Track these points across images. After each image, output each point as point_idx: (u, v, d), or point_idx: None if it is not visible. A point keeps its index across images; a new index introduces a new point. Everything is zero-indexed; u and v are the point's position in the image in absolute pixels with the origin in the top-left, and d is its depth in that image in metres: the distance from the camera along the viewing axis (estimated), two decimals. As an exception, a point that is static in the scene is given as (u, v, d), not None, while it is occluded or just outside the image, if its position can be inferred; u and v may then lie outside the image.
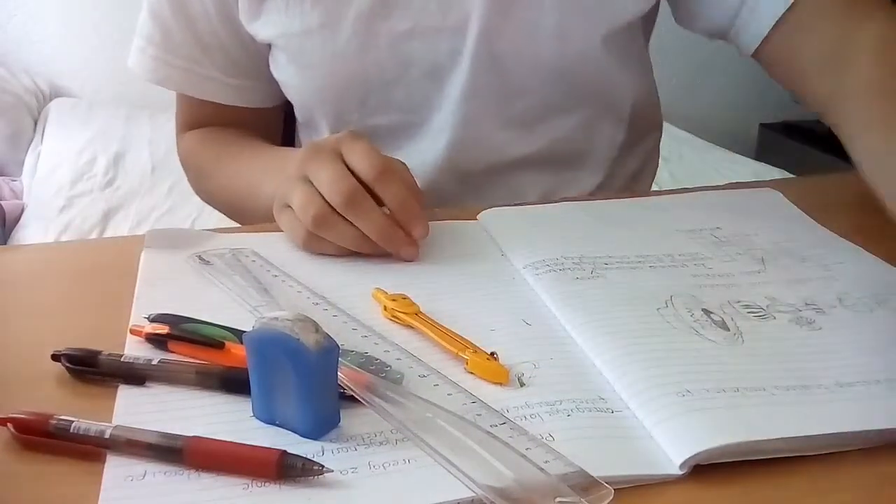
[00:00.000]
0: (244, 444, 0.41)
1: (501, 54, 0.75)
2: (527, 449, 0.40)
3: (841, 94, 0.67)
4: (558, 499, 0.37)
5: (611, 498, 0.38)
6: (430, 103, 0.77)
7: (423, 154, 0.78)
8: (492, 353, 0.48)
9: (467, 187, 0.80)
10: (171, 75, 0.80)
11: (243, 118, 0.83)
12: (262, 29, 0.76)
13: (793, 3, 0.71)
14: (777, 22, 0.72)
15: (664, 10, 0.83)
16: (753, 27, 0.74)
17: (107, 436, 0.41)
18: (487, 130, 0.78)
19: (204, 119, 0.85)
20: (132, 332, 0.51)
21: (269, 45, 0.78)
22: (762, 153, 2.56)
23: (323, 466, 0.39)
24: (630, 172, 0.88)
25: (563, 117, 0.80)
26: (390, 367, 0.47)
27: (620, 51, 0.78)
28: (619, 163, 0.86)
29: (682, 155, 2.20)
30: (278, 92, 0.82)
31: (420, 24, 0.73)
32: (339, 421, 0.43)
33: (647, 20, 0.84)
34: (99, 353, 0.47)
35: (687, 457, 0.40)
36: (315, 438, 0.42)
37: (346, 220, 0.58)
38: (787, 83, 0.76)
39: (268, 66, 0.80)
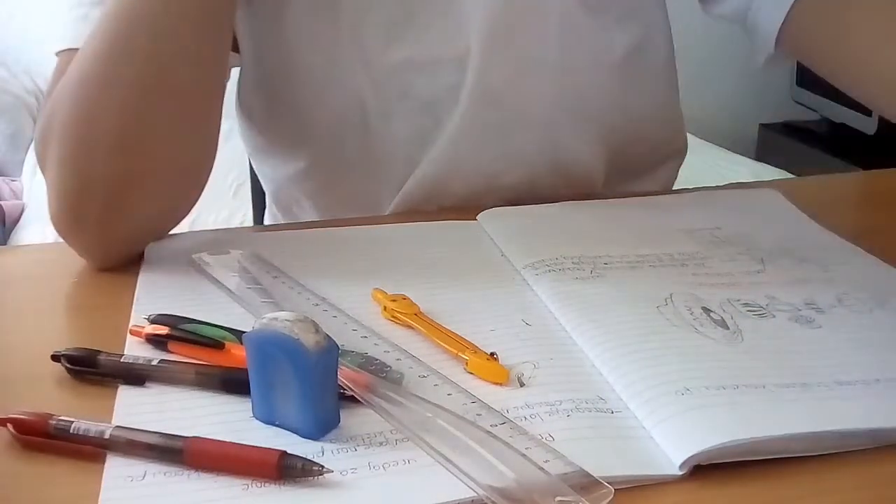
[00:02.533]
0: (244, 445, 0.41)
1: (501, 88, 0.72)
2: (527, 449, 0.40)
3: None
4: (558, 498, 0.37)
5: (611, 498, 0.38)
6: (424, 138, 0.73)
7: (410, 184, 0.74)
8: (492, 354, 0.48)
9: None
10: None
11: None
12: None
13: None
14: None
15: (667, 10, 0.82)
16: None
17: (107, 436, 0.41)
18: (484, 163, 0.74)
19: None
20: (132, 332, 0.51)
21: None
22: (762, 153, 2.56)
23: (323, 467, 0.39)
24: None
25: (565, 150, 0.76)
26: (390, 367, 0.47)
27: (632, 77, 0.76)
28: (630, 189, 0.82)
29: (681, 155, 2.20)
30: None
31: (419, 54, 0.71)
32: (339, 421, 0.43)
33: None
34: (99, 353, 0.47)
35: (687, 457, 0.40)
36: (315, 439, 0.42)
37: None
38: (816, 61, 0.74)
39: None
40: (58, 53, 0.65)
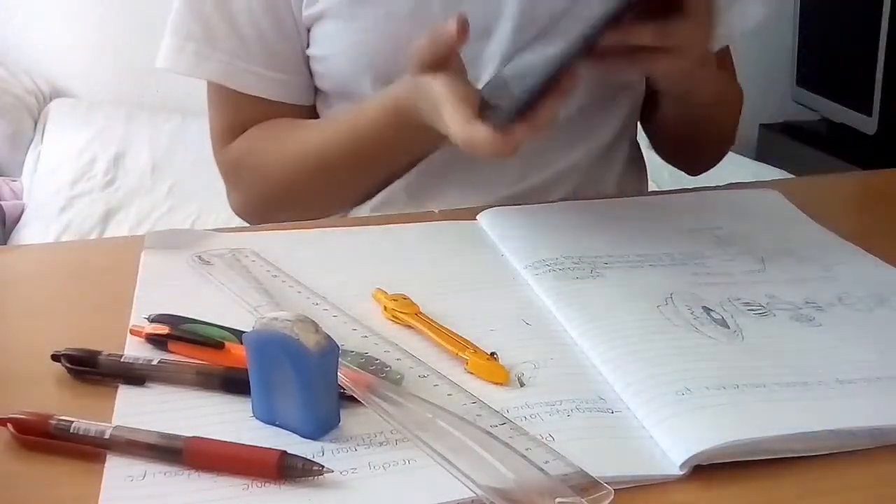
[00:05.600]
0: (244, 445, 0.41)
1: (543, 16, 0.74)
2: (527, 449, 0.40)
3: None
4: (558, 499, 0.37)
5: (611, 498, 0.38)
6: (476, 63, 0.76)
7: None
8: (492, 354, 0.48)
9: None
10: (213, 69, 0.80)
11: (284, 116, 0.83)
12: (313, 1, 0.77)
13: None
14: None
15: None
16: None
17: (107, 436, 0.41)
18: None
19: (245, 122, 0.83)
20: (132, 332, 0.51)
21: (309, 31, 0.79)
22: (762, 153, 2.55)
23: (323, 467, 0.39)
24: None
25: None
26: (390, 367, 0.47)
27: None
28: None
29: (682, 155, 2.20)
30: (313, 88, 0.83)
31: None
32: (339, 421, 0.43)
33: None
34: (99, 353, 0.47)
35: (687, 457, 0.40)
36: (315, 438, 0.42)
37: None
38: None
39: (306, 60, 0.80)
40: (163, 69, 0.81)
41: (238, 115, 0.83)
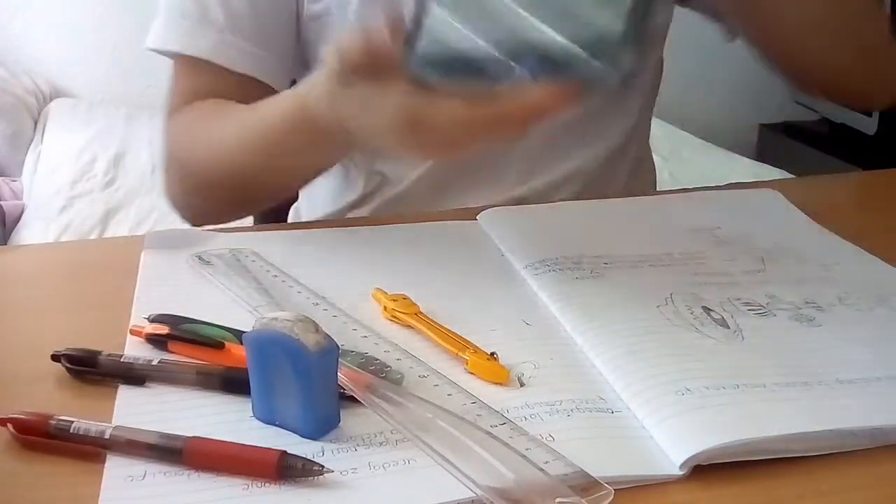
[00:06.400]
0: (244, 445, 0.41)
1: None
2: (527, 449, 0.40)
3: None
4: (558, 499, 0.37)
5: (611, 498, 0.38)
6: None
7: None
8: (492, 354, 0.48)
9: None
10: (205, 45, 0.77)
11: (257, 97, 0.76)
12: None
13: None
14: None
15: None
16: None
17: (107, 436, 0.41)
18: None
19: (212, 94, 0.79)
20: (132, 332, 0.51)
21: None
22: (762, 153, 2.55)
23: (323, 467, 0.39)
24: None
25: None
26: (390, 367, 0.47)
27: None
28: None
29: (682, 155, 2.20)
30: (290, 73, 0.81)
31: None
32: (339, 421, 0.43)
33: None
34: (99, 353, 0.47)
35: (687, 457, 0.40)
36: (315, 439, 0.42)
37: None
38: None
39: (294, 42, 0.79)
40: (154, 50, 0.78)
41: (206, 88, 0.78)
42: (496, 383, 0.46)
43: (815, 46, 0.73)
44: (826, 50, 0.73)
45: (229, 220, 0.78)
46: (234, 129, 0.71)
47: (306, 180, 0.76)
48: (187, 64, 0.78)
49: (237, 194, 0.74)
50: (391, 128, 0.54)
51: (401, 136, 0.54)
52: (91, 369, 0.47)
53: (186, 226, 0.73)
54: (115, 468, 0.40)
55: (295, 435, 0.42)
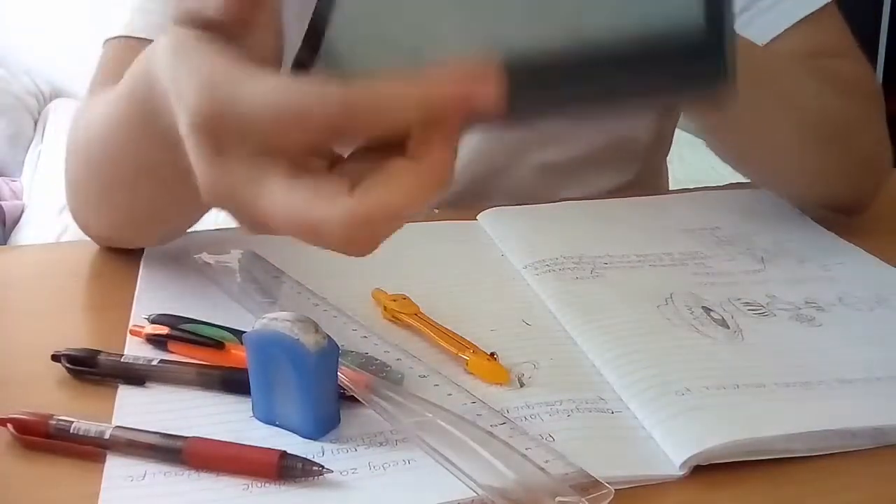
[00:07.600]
0: (244, 445, 0.41)
1: None
2: (527, 449, 0.40)
3: None
4: (558, 499, 0.37)
5: (611, 498, 0.38)
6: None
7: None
8: (492, 354, 0.48)
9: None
10: (142, 25, 0.69)
11: None
12: None
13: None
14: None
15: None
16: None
17: (107, 436, 0.41)
18: None
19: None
20: (132, 332, 0.51)
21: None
22: (762, 153, 2.55)
23: (323, 467, 0.39)
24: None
25: None
26: (390, 367, 0.46)
27: None
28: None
29: (682, 155, 2.19)
30: None
31: None
32: (339, 421, 0.43)
33: None
34: (99, 353, 0.47)
35: (687, 457, 0.40)
36: (315, 439, 0.42)
37: None
38: None
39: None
40: (109, 40, 0.70)
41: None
42: (496, 383, 0.46)
43: (786, 168, 0.67)
44: (800, 171, 0.66)
45: (126, 238, 0.63)
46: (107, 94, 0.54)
47: (173, 195, 0.52)
48: (121, 44, 0.68)
49: (103, 184, 0.59)
50: (192, 112, 0.34)
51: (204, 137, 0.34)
52: (91, 369, 0.47)
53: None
54: (115, 468, 0.40)
55: (295, 435, 0.42)
